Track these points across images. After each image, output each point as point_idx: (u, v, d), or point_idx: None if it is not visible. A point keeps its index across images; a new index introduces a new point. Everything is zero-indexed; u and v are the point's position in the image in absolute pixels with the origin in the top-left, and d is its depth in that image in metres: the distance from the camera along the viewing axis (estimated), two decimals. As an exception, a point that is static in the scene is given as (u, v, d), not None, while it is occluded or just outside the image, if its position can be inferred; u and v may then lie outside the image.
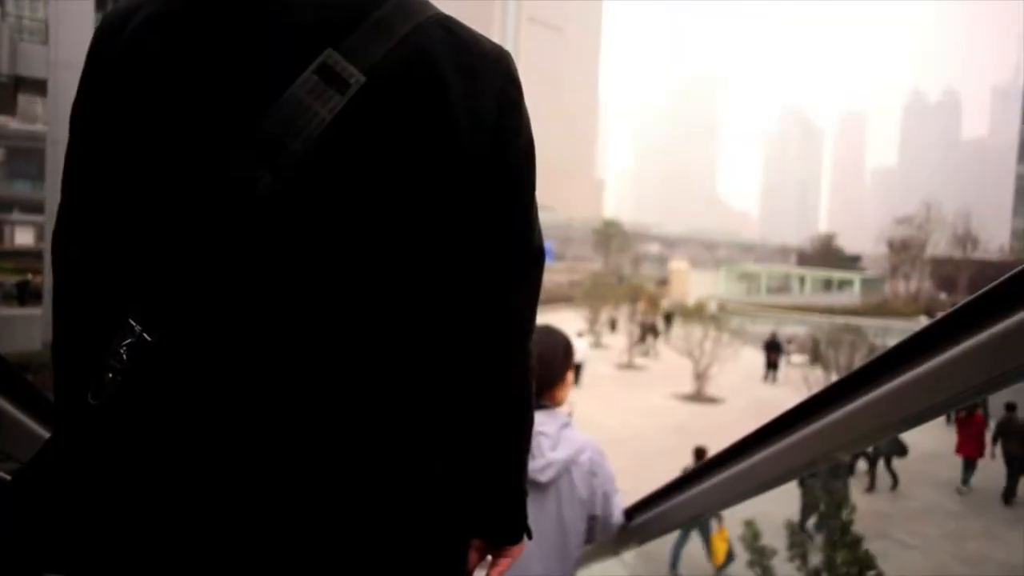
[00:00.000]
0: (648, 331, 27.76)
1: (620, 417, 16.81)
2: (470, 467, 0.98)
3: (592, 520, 2.07)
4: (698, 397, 19.79)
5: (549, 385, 1.99)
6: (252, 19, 0.81)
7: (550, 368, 1.96)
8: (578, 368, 21.37)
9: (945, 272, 48.15)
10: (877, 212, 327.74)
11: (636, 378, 22.62)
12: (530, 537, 1.06)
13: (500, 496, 1.01)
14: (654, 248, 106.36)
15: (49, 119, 18.08)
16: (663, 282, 51.99)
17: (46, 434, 1.29)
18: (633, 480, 10.41)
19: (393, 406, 0.86)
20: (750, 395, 19.96)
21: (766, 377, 23.06)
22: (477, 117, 0.87)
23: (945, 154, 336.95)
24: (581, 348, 22.02)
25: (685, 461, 10.33)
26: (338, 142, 0.80)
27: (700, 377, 20.04)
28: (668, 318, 29.99)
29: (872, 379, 1.25)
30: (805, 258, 71.54)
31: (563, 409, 2.08)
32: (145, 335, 0.79)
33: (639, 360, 25.39)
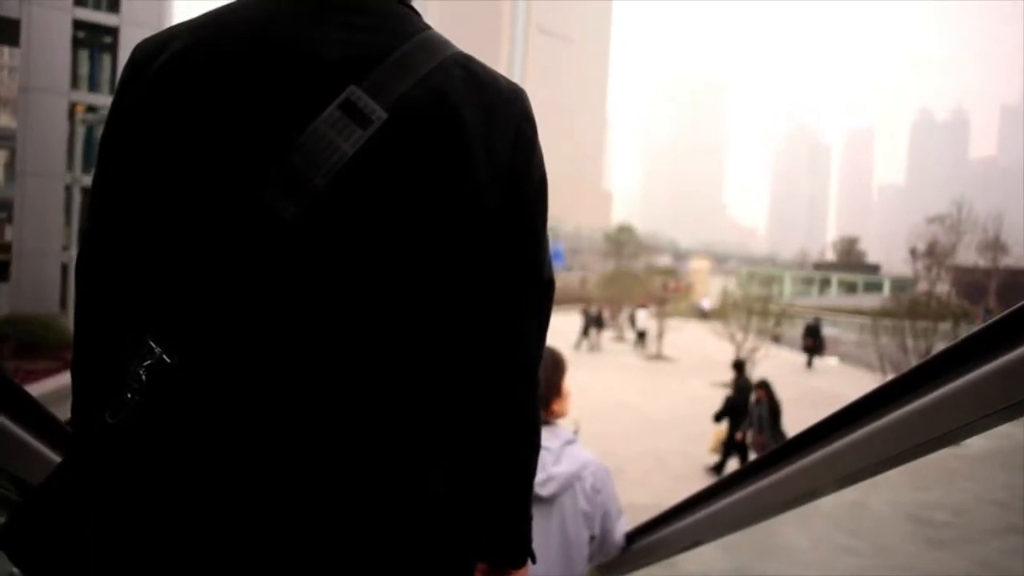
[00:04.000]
0: (592, 323, 25.08)
1: (662, 403, 15.59)
2: (476, 489, 0.97)
3: (591, 540, 2.03)
4: (741, 385, 18.21)
5: (546, 402, 1.99)
6: (279, 55, 0.83)
7: (546, 385, 1.93)
8: (642, 335, 25.26)
9: (972, 279, 46.17)
10: (883, 228, 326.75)
11: (668, 368, 21.61)
12: (534, 561, 1.05)
13: (505, 519, 1.01)
14: (664, 260, 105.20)
15: (20, 64, 16.67)
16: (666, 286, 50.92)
17: (40, 447, 1.27)
18: (685, 461, 8.68)
19: (405, 431, 0.87)
20: (797, 385, 18.52)
21: (809, 364, 22.03)
22: (493, 154, 0.89)
23: (953, 172, 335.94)
24: (643, 317, 25.99)
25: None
26: (359, 176, 0.83)
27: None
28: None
29: (892, 399, 1.13)
30: (822, 267, 69.77)
31: (568, 427, 2.11)
32: (165, 357, 0.81)
33: (667, 351, 23.99)
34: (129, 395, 0.81)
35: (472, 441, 0.96)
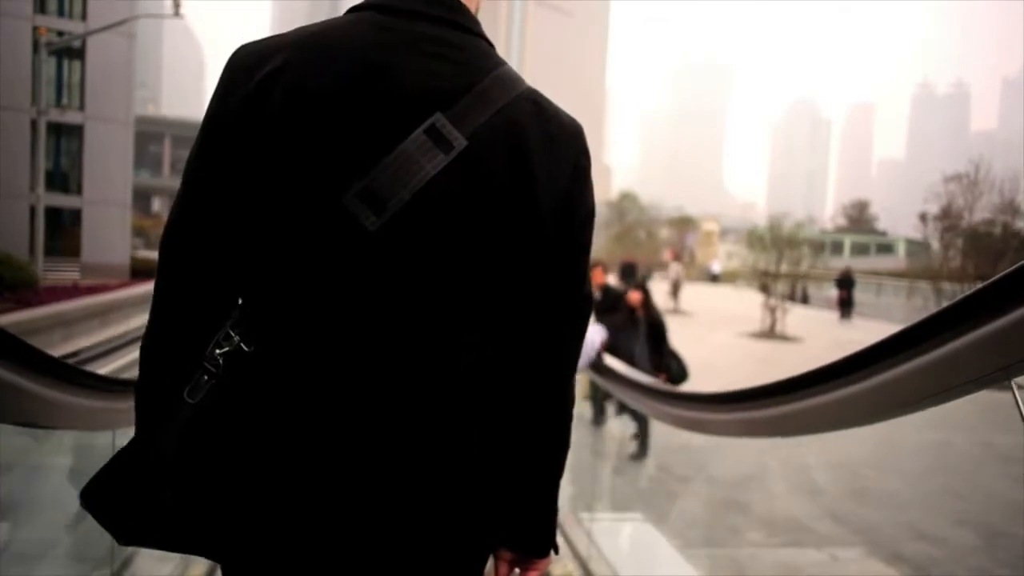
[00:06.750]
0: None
1: (694, 352, 14.31)
2: (509, 482, 1.04)
3: None
4: (771, 335, 17.22)
5: None
6: (373, 81, 0.91)
7: None
8: (676, 285, 24.50)
9: (986, 244, 44.61)
10: (883, 201, 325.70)
11: (689, 321, 20.81)
12: (556, 552, 1.11)
13: (533, 511, 1.07)
14: (665, 232, 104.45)
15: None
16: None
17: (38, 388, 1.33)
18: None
19: (457, 415, 0.96)
20: (827, 336, 17.35)
21: (842, 315, 21.20)
22: (554, 182, 0.97)
23: (953, 145, 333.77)
24: (676, 269, 26.24)
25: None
26: (438, 194, 0.91)
27: (773, 311, 17.46)
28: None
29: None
30: (827, 234, 68.28)
31: None
32: (243, 345, 0.91)
33: (683, 307, 23.07)
34: (206, 377, 0.90)
35: (516, 432, 1.03)
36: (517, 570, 1.10)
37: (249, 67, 0.91)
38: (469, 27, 0.98)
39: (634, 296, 7.00)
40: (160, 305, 0.96)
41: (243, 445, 0.90)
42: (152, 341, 0.96)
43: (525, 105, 0.97)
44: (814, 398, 1.61)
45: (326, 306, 0.90)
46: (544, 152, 0.96)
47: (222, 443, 0.90)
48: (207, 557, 0.98)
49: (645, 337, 6.83)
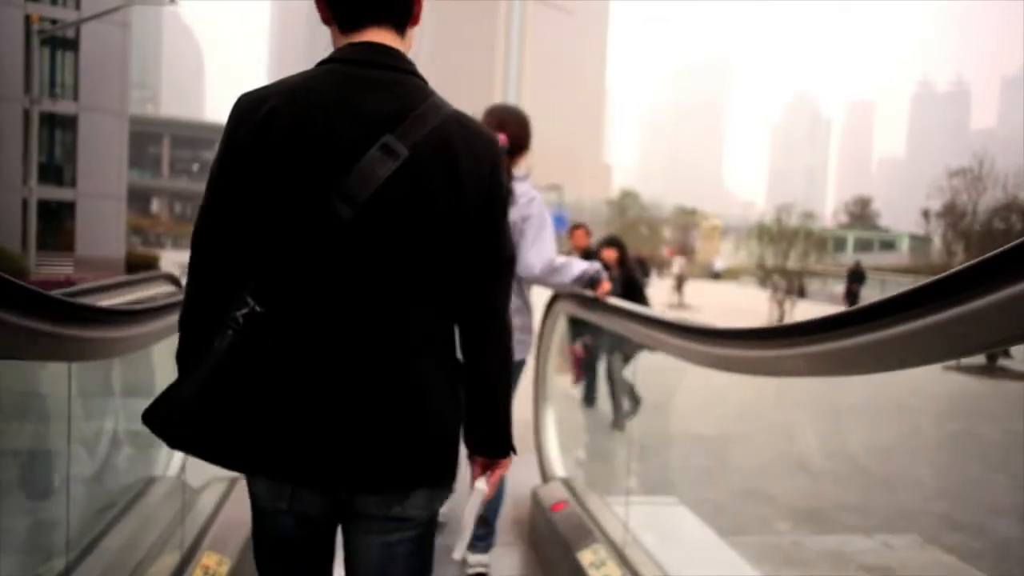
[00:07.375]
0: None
1: None
2: (471, 405, 1.39)
3: None
4: (779, 327, 16.80)
5: (520, 150, 2.86)
6: (341, 113, 1.24)
7: (524, 137, 2.88)
8: (680, 279, 25.13)
9: (1004, 232, 44.14)
10: (883, 199, 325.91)
11: (694, 316, 20.05)
12: (515, 453, 1.45)
13: (491, 424, 1.41)
14: (668, 227, 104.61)
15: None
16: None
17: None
18: (744, 393, 7.23)
19: (415, 352, 1.30)
20: None
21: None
22: (476, 180, 1.30)
23: (953, 143, 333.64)
24: (680, 263, 26.72)
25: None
26: (390, 192, 1.23)
27: (780, 304, 17.25)
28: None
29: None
30: (827, 232, 68.07)
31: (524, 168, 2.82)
32: (257, 307, 1.23)
33: (688, 301, 22.99)
34: (230, 332, 1.23)
35: (467, 365, 1.38)
36: (489, 472, 1.44)
37: (251, 110, 1.23)
38: (406, 69, 1.31)
39: (608, 253, 6.93)
40: (193, 284, 1.30)
41: (258, 377, 1.23)
42: (188, 309, 1.32)
43: (452, 125, 1.29)
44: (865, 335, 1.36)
45: (315, 275, 1.23)
46: (469, 162, 1.28)
47: (243, 376, 1.23)
48: (230, 467, 1.30)
49: (622, 293, 6.39)
